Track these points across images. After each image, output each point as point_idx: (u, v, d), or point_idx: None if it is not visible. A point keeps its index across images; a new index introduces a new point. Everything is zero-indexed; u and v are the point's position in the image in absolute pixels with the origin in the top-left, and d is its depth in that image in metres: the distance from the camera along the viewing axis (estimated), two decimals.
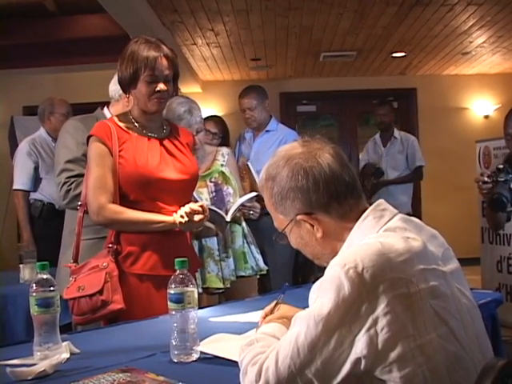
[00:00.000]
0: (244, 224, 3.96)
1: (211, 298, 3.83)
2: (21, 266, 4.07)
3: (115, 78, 3.03)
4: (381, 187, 6.57)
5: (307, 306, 1.54)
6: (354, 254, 1.49)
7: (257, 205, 3.86)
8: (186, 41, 7.39)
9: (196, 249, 3.51)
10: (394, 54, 8.39)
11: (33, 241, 5.23)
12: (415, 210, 9.13)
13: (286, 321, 1.77)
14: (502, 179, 3.54)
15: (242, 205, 3.73)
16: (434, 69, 9.42)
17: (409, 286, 1.45)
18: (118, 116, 2.89)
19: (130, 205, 2.69)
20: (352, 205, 1.68)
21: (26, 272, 4.00)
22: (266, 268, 4.00)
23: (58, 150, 3.54)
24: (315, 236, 1.71)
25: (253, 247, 3.95)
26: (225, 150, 4.08)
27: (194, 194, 3.23)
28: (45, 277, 1.96)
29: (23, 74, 8.63)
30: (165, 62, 2.73)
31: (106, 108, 3.53)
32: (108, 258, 2.66)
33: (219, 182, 3.87)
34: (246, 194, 3.88)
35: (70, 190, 3.30)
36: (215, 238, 3.73)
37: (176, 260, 1.96)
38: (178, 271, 1.94)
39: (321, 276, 1.53)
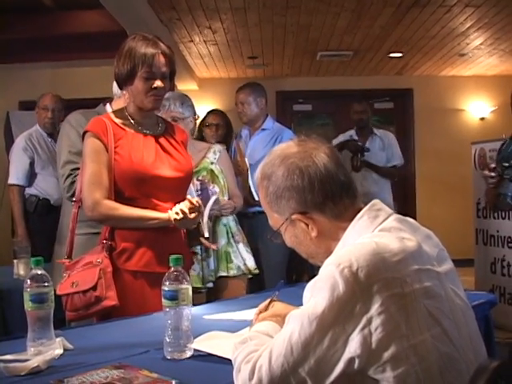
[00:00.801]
0: (231, 223, 3.95)
1: (197, 296, 3.79)
2: (15, 261, 4.07)
3: None
4: (364, 167, 6.28)
5: (301, 304, 1.54)
6: (349, 254, 1.49)
7: (226, 202, 3.88)
8: (183, 38, 7.38)
9: None
10: (391, 55, 8.39)
11: (27, 236, 5.22)
12: (410, 211, 9.18)
13: (280, 319, 1.77)
14: (508, 176, 3.57)
15: (212, 210, 3.63)
16: (431, 70, 9.42)
17: (403, 286, 1.45)
18: (113, 112, 2.89)
19: (124, 201, 2.69)
20: (347, 205, 1.69)
21: (20, 267, 4.00)
22: (254, 268, 3.95)
23: (60, 141, 3.54)
24: (310, 235, 1.71)
25: (241, 246, 3.92)
26: (217, 147, 4.07)
27: None
28: (39, 272, 1.96)
29: (20, 68, 8.62)
30: (162, 59, 2.73)
31: (108, 104, 3.53)
32: (102, 254, 2.65)
33: (206, 180, 3.85)
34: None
35: (75, 182, 3.28)
36: None
37: (171, 257, 1.96)
38: (172, 268, 1.94)
39: (315, 275, 1.53)
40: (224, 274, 3.76)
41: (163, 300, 1.92)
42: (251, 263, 3.91)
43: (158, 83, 2.72)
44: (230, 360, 1.68)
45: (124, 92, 2.90)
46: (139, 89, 2.73)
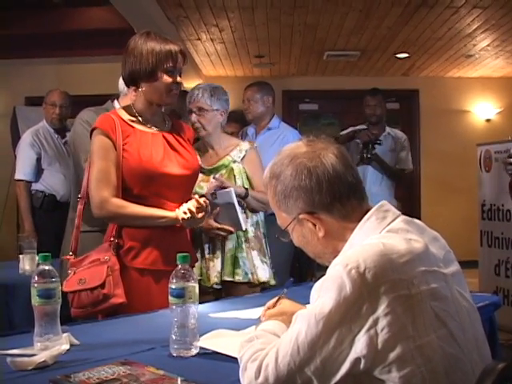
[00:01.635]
0: (249, 228, 3.68)
1: (205, 297, 3.67)
2: (21, 256, 4.06)
3: None
4: (374, 161, 5.71)
5: (308, 303, 1.55)
6: (357, 255, 1.49)
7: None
8: (190, 36, 7.38)
9: None
10: (398, 55, 8.39)
11: (34, 231, 5.23)
12: (415, 212, 9.17)
13: (286, 318, 1.78)
14: None
15: (239, 200, 3.50)
16: (437, 71, 9.41)
17: (410, 288, 1.45)
18: (122, 109, 2.90)
19: (132, 199, 2.69)
20: (354, 205, 1.69)
21: (25, 263, 4.00)
22: (266, 279, 3.64)
23: (78, 139, 3.52)
24: (317, 235, 1.72)
25: (255, 253, 3.63)
26: (246, 145, 3.79)
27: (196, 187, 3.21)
28: (46, 268, 1.97)
29: (26, 64, 8.65)
30: (181, 56, 2.77)
31: (116, 101, 3.53)
32: (110, 252, 2.66)
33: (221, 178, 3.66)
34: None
35: None
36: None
37: (178, 255, 1.97)
38: (179, 266, 1.95)
39: (321, 276, 1.54)
40: (228, 278, 3.54)
41: (170, 297, 1.92)
42: (262, 274, 3.62)
43: (179, 78, 2.77)
44: (235, 358, 1.69)
45: (130, 89, 2.90)
46: (165, 83, 2.74)
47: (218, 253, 3.56)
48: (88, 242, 2.91)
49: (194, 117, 3.59)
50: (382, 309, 1.42)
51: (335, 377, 1.44)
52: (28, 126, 6.07)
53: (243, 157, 3.69)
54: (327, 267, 1.55)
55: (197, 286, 1.96)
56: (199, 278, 3.45)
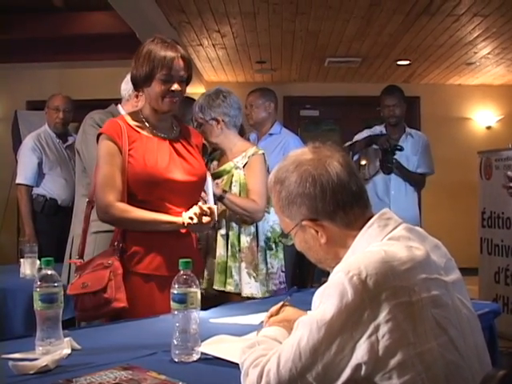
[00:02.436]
0: (242, 236, 3.55)
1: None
2: (21, 260, 4.07)
3: (127, 78, 3.04)
4: (395, 169, 5.22)
5: (310, 309, 1.56)
6: (358, 262, 1.50)
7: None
8: (192, 41, 7.40)
9: None
10: (399, 62, 8.40)
11: (34, 236, 5.23)
12: None
13: (288, 324, 1.79)
14: None
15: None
16: (438, 78, 9.43)
17: (411, 295, 1.46)
18: (128, 115, 2.91)
19: (137, 204, 2.70)
20: (357, 214, 1.71)
21: (26, 266, 4.00)
22: (250, 294, 3.46)
23: (84, 140, 3.53)
24: (319, 241, 1.73)
25: (243, 265, 3.50)
26: (251, 150, 3.62)
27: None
28: (49, 272, 1.97)
29: (28, 68, 8.65)
30: (181, 62, 2.76)
31: (119, 105, 3.54)
32: (113, 257, 2.67)
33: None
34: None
35: None
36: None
37: (180, 260, 1.97)
38: (181, 272, 1.96)
39: (322, 283, 1.55)
40: (219, 288, 3.45)
41: (172, 303, 1.93)
42: (247, 288, 3.47)
43: (175, 86, 2.74)
44: (236, 364, 1.70)
45: (132, 95, 2.90)
46: (156, 91, 2.74)
47: (210, 260, 3.51)
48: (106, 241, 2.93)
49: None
50: (383, 315, 1.43)
51: (336, 383, 1.45)
52: (29, 130, 6.08)
53: (246, 163, 3.57)
54: (328, 273, 1.56)
55: (199, 291, 1.96)
56: None
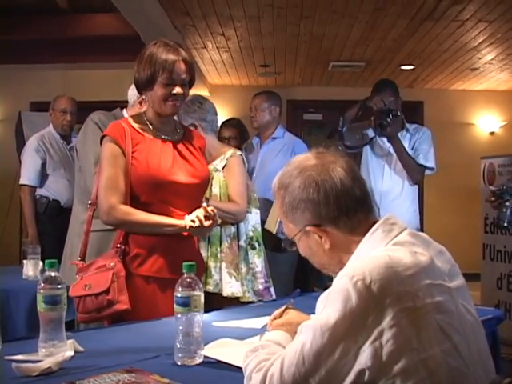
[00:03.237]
0: (225, 239, 3.60)
1: None
2: (24, 261, 4.08)
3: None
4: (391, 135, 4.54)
5: (313, 313, 1.56)
6: (363, 267, 1.50)
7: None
8: (196, 44, 7.42)
9: None
10: (403, 67, 8.42)
11: (37, 237, 5.24)
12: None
13: (292, 328, 1.79)
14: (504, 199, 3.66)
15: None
16: (442, 83, 9.44)
17: (415, 300, 1.46)
18: (132, 117, 2.91)
19: (140, 206, 2.70)
20: (361, 219, 1.70)
21: (29, 268, 4.01)
22: (231, 294, 3.52)
23: (84, 140, 3.55)
24: (323, 247, 1.73)
25: (223, 265, 3.55)
26: (229, 152, 3.72)
27: None
28: (53, 274, 1.97)
29: (32, 69, 8.67)
30: (183, 65, 2.76)
31: (124, 110, 3.55)
32: (116, 259, 2.67)
33: None
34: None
35: None
36: None
37: (184, 264, 1.98)
38: (185, 275, 1.96)
39: (326, 287, 1.55)
40: None
41: (175, 306, 1.93)
42: (228, 287, 3.52)
43: (177, 89, 2.75)
44: (239, 368, 1.70)
45: (137, 100, 2.91)
46: (158, 94, 2.75)
47: None
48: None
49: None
50: (387, 321, 1.43)
51: None
52: (33, 131, 6.09)
53: (224, 165, 3.66)
54: (331, 277, 1.56)
55: (202, 294, 1.96)
56: None
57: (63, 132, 5.45)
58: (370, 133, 4.73)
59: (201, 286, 1.97)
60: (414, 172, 4.62)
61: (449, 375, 1.45)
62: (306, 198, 1.69)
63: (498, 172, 6.32)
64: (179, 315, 1.93)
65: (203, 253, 3.48)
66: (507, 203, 3.73)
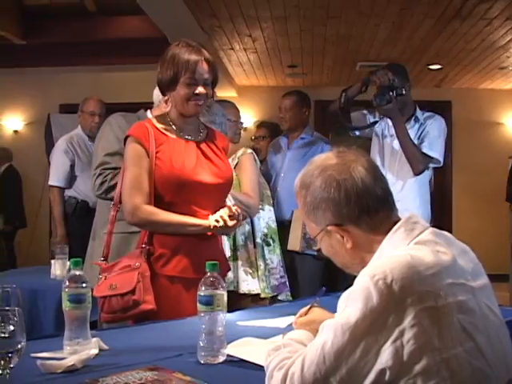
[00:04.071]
0: (239, 237, 3.68)
1: None
2: (52, 261, 4.12)
3: None
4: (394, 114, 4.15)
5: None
6: (384, 266, 1.50)
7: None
8: (223, 45, 7.44)
9: None
10: (431, 66, 8.35)
11: (66, 237, 5.30)
12: (446, 224, 9.10)
13: (314, 326, 1.79)
14: None
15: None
16: (470, 82, 9.35)
17: (436, 300, 1.45)
18: (156, 117, 2.93)
19: (164, 206, 2.71)
20: (383, 218, 1.70)
21: (56, 268, 4.05)
22: (248, 291, 3.62)
23: (98, 142, 3.62)
24: (345, 246, 1.73)
25: (239, 264, 3.63)
26: (240, 152, 3.83)
27: None
28: (78, 273, 2.01)
29: (61, 72, 8.77)
30: (205, 66, 2.77)
31: (148, 111, 3.58)
32: (141, 259, 2.68)
33: None
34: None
35: (106, 181, 3.36)
36: None
37: (207, 263, 1.99)
38: (208, 274, 1.98)
39: (348, 287, 1.55)
40: None
41: (198, 305, 1.95)
42: (244, 285, 3.61)
43: (200, 89, 2.76)
44: (262, 366, 1.70)
45: (163, 100, 2.92)
46: (181, 94, 2.76)
47: None
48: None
49: None
50: (408, 320, 1.42)
51: None
52: (62, 132, 6.16)
53: (236, 164, 3.73)
54: (355, 277, 1.56)
55: (225, 293, 1.98)
56: None
57: (91, 134, 5.50)
58: (372, 118, 4.55)
59: (224, 285, 1.98)
60: (416, 161, 4.14)
61: (472, 376, 1.45)
62: (327, 197, 1.69)
63: None
64: (202, 314, 1.94)
65: None
66: None
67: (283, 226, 4.42)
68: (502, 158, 7.47)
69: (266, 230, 3.76)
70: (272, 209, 3.94)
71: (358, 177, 1.68)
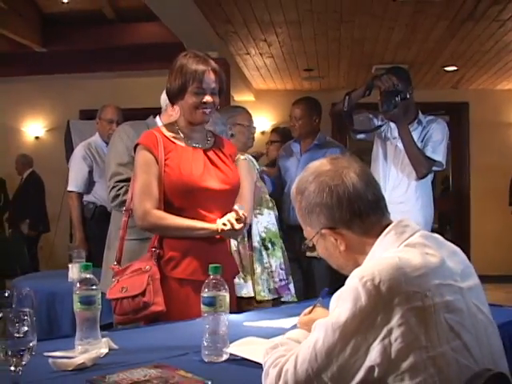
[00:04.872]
0: (233, 242, 3.59)
1: None
2: (70, 265, 4.20)
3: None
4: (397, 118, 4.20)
5: None
6: (373, 267, 1.57)
7: None
8: (239, 50, 7.51)
9: None
10: (446, 68, 8.38)
11: (85, 241, 5.40)
12: (464, 226, 9.09)
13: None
14: None
15: None
16: (487, 83, 9.35)
17: (423, 300, 1.51)
18: (165, 126, 3.02)
19: (174, 211, 2.80)
20: (374, 221, 1.77)
21: (74, 271, 4.11)
22: (245, 294, 3.63)
23: (109, 153, 3.71)
24: (339, 249, 1.80)
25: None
26: (239, 157, 3.66)
27: None
28: (88, 276, 2.10)
29: (81, 78, 8.88)
30: (212, 75, 2.86)
31: (158, 116, 3.66)
32: (151, 262, 2.76)
33: None
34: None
35: (119, 195, 3.44)
36: None
37: (210, 266, 2.08)
38: (211, 276, 2.06)
39: (338, 287, 1.63)
40: None
41: (202, 306, 2.03)
42: (237, 288, 3.47)
43: (207, 98, 2.84)
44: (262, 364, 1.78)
45: (168, 105, 3.00)
46: (189, 103, 2.85)
47: None
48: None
49: None
50: (395, 320, 1.48)
51: (351, 383, 1.51)
52: (81, 139, 6.24)
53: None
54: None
55: (227, 295, 2.06)
56: None
57: (109, 140, 5.57)
58: (377, 122, 4.55)
59: (226, 287, 2.06)
60: (420, 164, 4.14)
61: (458, 372, 1.50)
62: (320, 202, 1.77)
63: None
64: (206, 314, 2.03)
65: None
66: None
67: (300, 230, 4.37)
68: None
69: (263, 234, 3.79)
70: (272, 212, 3.95)
71: (349, 182, 1.76)
